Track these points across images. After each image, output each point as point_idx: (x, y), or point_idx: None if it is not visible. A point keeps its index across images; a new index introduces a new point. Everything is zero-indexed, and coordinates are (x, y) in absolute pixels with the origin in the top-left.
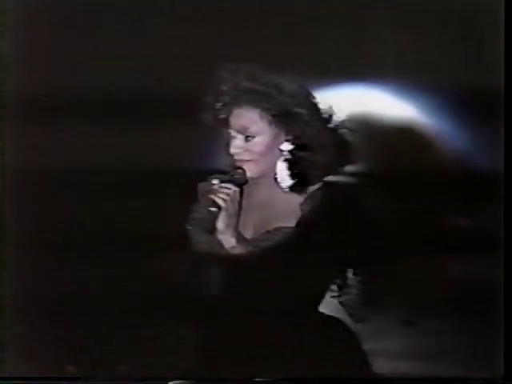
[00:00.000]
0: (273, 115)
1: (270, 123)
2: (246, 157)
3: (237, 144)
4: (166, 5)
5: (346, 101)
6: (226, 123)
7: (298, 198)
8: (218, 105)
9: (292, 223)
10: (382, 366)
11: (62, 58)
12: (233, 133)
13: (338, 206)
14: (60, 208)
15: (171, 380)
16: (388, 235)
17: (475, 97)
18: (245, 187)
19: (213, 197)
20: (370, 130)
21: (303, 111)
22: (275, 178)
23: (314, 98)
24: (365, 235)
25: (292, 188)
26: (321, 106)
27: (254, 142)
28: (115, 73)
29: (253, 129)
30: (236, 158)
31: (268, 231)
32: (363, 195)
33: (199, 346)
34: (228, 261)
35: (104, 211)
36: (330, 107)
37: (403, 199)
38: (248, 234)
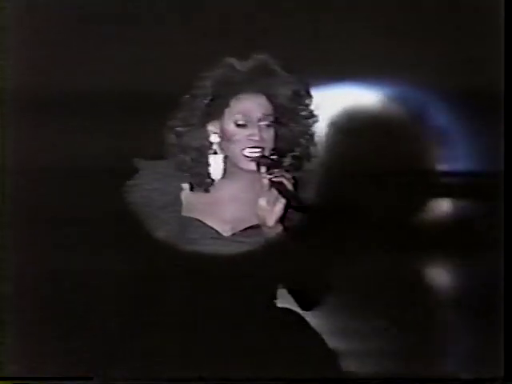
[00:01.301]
0: (274, 105)
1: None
2: (264, 144)
3: (255, 132)
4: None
5: (339, 100)
6: (214, 115)
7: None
8: (207, 98)
9: None
10: (378, 365)
11: (60, 57)
12: (240, 121)
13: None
14: (60, 208)
15: (170, 380)
16: (379, 232)
17: (475, 97)
18: (227, 180)
19: (285, 181)
20: (366, 131)
21: (295, 105)
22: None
23: (303, 93)
24: (350, 229)
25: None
26: (307, 103)
27: (269, 130)
28: (115, 71)
29: (270, 117)
30: (250, 145)
31: (252, 227)
32: (363, 194)
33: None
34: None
35: (104, 210)
36: (314, 104)
37: (401, 198)
38: (227, 229)
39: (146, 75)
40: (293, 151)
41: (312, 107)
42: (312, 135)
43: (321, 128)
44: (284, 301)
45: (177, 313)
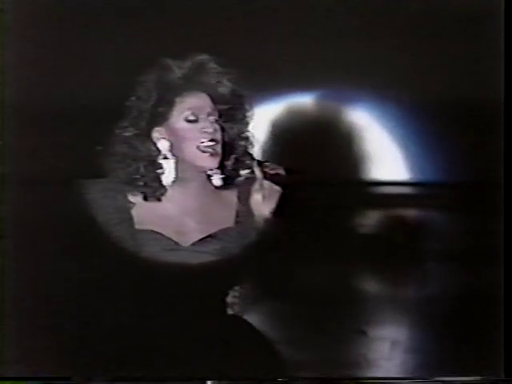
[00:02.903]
0: (215, 103)
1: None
2: (218, 136)
3: (207, 124)
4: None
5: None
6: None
7: (229, 195)
8: (151, 101)
9: (232, 222)
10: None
11: (58, 64)
12: (191, 117)
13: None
14: (58, 211)
15: (169, 380)
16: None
17: (474, 107)
18: (179, 188)
19: (281, 171)
20: (360, 142)
21: (232, 105)
22: (208, 175)
23: (241, 93)
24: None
25: (222, 185)
26: (243, 104)
27: (217, 125)
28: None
29: (216, 113)
30: (205, 139)
31: (210, 235)
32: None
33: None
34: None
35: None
36: (252, 105)
37: (399, 208)
38: (186, 240)
39: (85, 85)
40: (233, 153)
41: (248, 108)
42: (248, 138)
43: (260, 130)
44: (235, 308)
45: (138, 319)
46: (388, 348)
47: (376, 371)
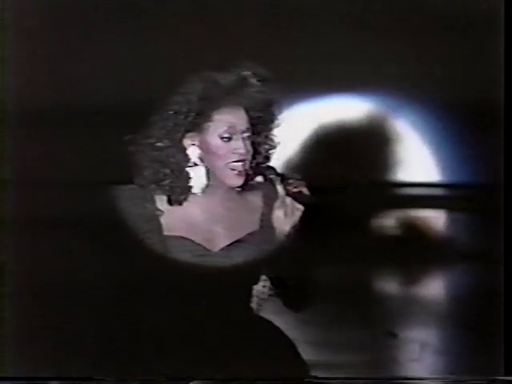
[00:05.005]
0: (248, 115)
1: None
2: (248, 156)
3: (240, 145)
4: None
5: (336, 111)
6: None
7: (254, 198)
8: (191, 113)
9: (257, 226)
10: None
11: (59, 68)
12: (225, 134)
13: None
14: (57, 212)
15: (171, 380)
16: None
17: (474, 109)
18: (205, 194)
19: (304, 189)
20: (365, 142)
21: (263, 114)
22: None
23: (272, 102)
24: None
25: (243, 188)
26: (273, 111)
27: (249, 141)
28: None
29: (250, 129)
30: (235, 159)
31: (238, 240)
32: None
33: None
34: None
35: (102, 213)
36: (278, 111)
37: (399, 209)
38: (214, 245)
39: (126, 90)
40: (254, 159)
41: (276, 112)
42: (272, 141)
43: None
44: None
45: (165, 321)
46: (418, 349)
47: (405, 372)
